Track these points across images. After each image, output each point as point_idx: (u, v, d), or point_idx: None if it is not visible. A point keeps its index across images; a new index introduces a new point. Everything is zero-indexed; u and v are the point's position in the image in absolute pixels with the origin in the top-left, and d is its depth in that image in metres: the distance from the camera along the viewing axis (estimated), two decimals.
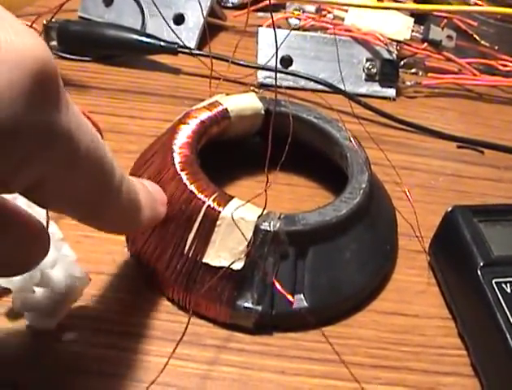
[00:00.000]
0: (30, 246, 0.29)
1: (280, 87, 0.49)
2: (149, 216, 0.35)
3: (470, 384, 0.38)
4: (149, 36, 0.60)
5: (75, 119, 0.25)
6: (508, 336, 0.36)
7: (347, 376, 0.37)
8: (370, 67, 0.63)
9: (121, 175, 0.30)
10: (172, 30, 0.60)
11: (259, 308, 0.38)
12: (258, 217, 0.37)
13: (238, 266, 0.37)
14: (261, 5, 0.69)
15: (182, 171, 0.40)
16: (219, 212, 0.37)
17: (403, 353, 0.39)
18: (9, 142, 0.21)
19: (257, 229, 0.37)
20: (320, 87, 0.60)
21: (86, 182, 0.27)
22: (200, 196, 0.38)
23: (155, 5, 0.58)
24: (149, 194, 0.35)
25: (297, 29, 0.66)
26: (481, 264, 0.39)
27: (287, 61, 0.63)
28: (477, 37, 0.71)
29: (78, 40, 0.61)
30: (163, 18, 0.59)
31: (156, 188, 0.38)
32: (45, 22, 0.59)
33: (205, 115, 0.44)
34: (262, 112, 0.48)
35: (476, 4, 0.71)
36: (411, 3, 0.71)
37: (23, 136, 0.22)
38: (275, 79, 0.36)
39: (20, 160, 0.22)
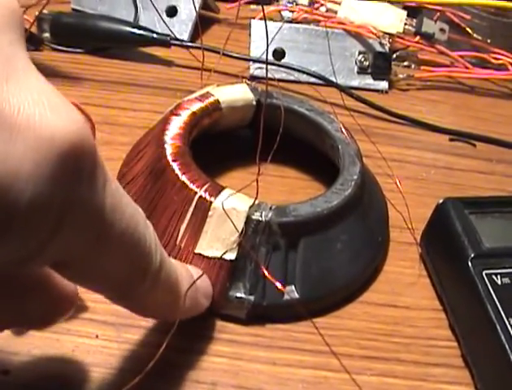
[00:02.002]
0: (53, 310, 0.30)
1: (272, 79, 0.49)
2: (188, 307, 0.33)
3: (461, 375, 0.38)
4: (141, 28, 0.60)
5: (111, 200, 0.24)
6: (498, 327, 0.36)
7: (338, 367, 0.37)
8: (363, 59, 0.63)
9: (161, 261, 0.29)
10: (165, 22, 0.60)
11: (252, 298, 0.38)
12: (250, 207, 0.37)
13: (231, 256, 0.37)
14: None
15: (174, 161, 0.40)
16: (211, 202, 0.37)
17: (394, 344, 0.39)
18: (34, 219, 0.21)
19: (248, 219, 0.37)
20: (313, 79, 0.60)
21: (117, 266, 0.27)
22: (192, 186, 0.38)
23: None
24: (193, 284, 0.33)
25: (290, 22, 0.66)
26: (472, 256, 0.39)
27: (279, 53, 0.63)
28: (470, 31, 0.71)
29: (71, 32, 0.61)
30: (156, 10, 0.59)
31: (202, 278, 0.35)
32: (37, 13, 0.59)
33: (196, 106, 0.45)
34: (254, 103, 0.48)
35: None
36: None
37: (49, 214, 0.21)
38: (266, 71, 0.36)
39: (46, 238, 0.22)
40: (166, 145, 0.41)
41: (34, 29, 0.59)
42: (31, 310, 0.29)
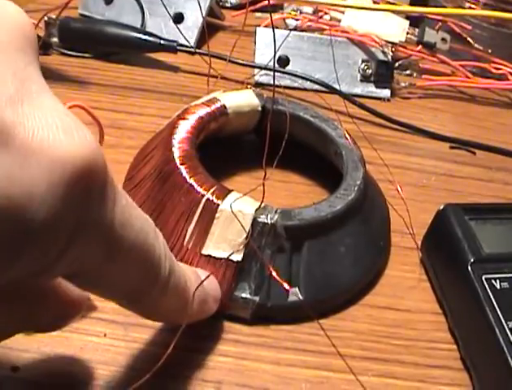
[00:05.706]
0: (63, 314, 0.31)
1: (277, 86, 0.50)
2: (197, 310, 0.34)
3: (460, 377, 0.39)
4: (148, 34, 0.61)
5: (120, 215, 0.25)
6: (497, 331, 0.37)
7: (340, 367, 0.37)
8: (366, 67, 0.64)
9: (170, 268, 0.29)
10: (177, 28, 0.61)
11: (257, 298, 0.38)
12: (256, 210, 0.38)
13: (237, 257, 0.38)
14: (259, 5, 0.70)
15: (182, 164, 0.40)
16: (218, 205, 0.38)
17: (395, 346, 0.40)
18: (48, 237, 0.21)
19: (254, 221, 0.38)
20: (316, 87, 0.61)
21: (127, 276, 0.27)
22: (199, 189, 0.39)
23: (163, 3, 0.59)
24: (201, 288, 0.33)
25: (295, 30, 0.67)
26: (471, 260, 0.40)
27: (284, 61, 0.64)
28: (471, 40, 0.72)
29: (79, 37, 0.61)
30: (168, 13, 0.60)
31: (211, 281, 0.36)
32: (46, 19, 0.60)
33: (203, 111, 0.45)
34: (259, 109, 0.49)
35: (471, 8, 0.72)
36: (407, 6, 0.72)
37: (62, 232, 0.22)
38: (273, 77, 0.37)
39: (59, 253, 0.22)
40: (174, 149, 0.41)
41: (42, 33, 0.60)
42: (41, 315, 0.29)
